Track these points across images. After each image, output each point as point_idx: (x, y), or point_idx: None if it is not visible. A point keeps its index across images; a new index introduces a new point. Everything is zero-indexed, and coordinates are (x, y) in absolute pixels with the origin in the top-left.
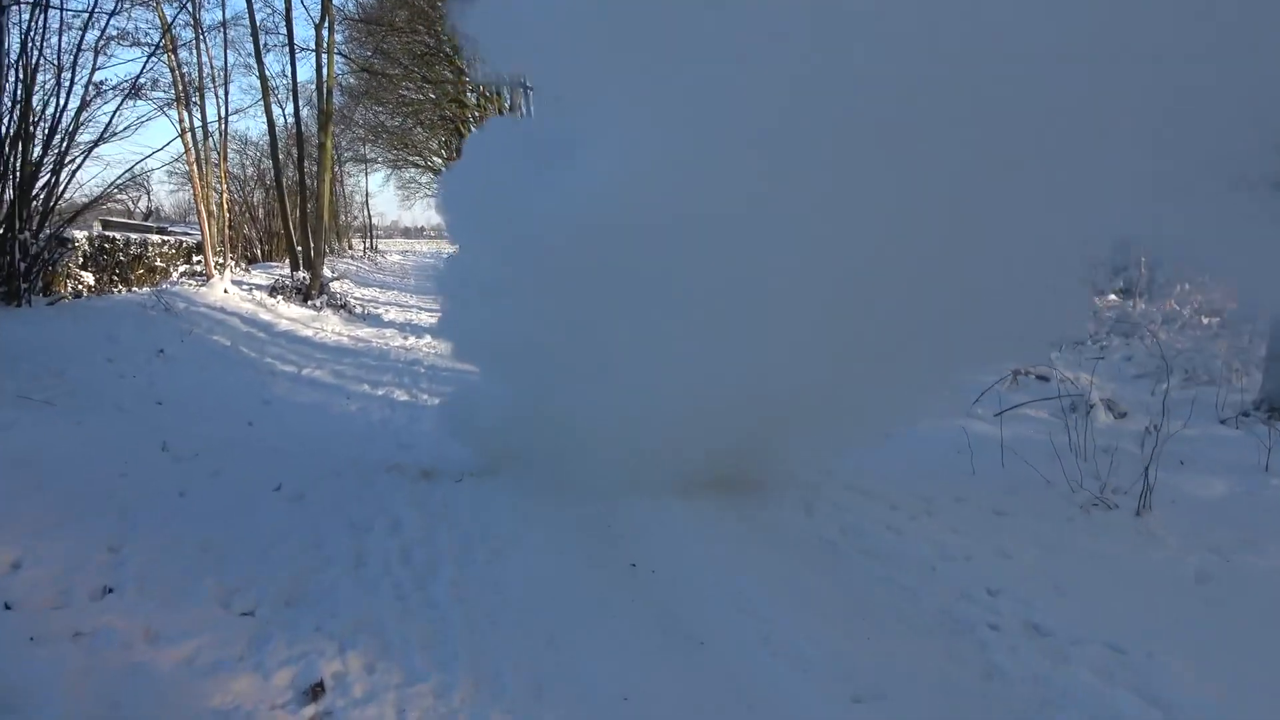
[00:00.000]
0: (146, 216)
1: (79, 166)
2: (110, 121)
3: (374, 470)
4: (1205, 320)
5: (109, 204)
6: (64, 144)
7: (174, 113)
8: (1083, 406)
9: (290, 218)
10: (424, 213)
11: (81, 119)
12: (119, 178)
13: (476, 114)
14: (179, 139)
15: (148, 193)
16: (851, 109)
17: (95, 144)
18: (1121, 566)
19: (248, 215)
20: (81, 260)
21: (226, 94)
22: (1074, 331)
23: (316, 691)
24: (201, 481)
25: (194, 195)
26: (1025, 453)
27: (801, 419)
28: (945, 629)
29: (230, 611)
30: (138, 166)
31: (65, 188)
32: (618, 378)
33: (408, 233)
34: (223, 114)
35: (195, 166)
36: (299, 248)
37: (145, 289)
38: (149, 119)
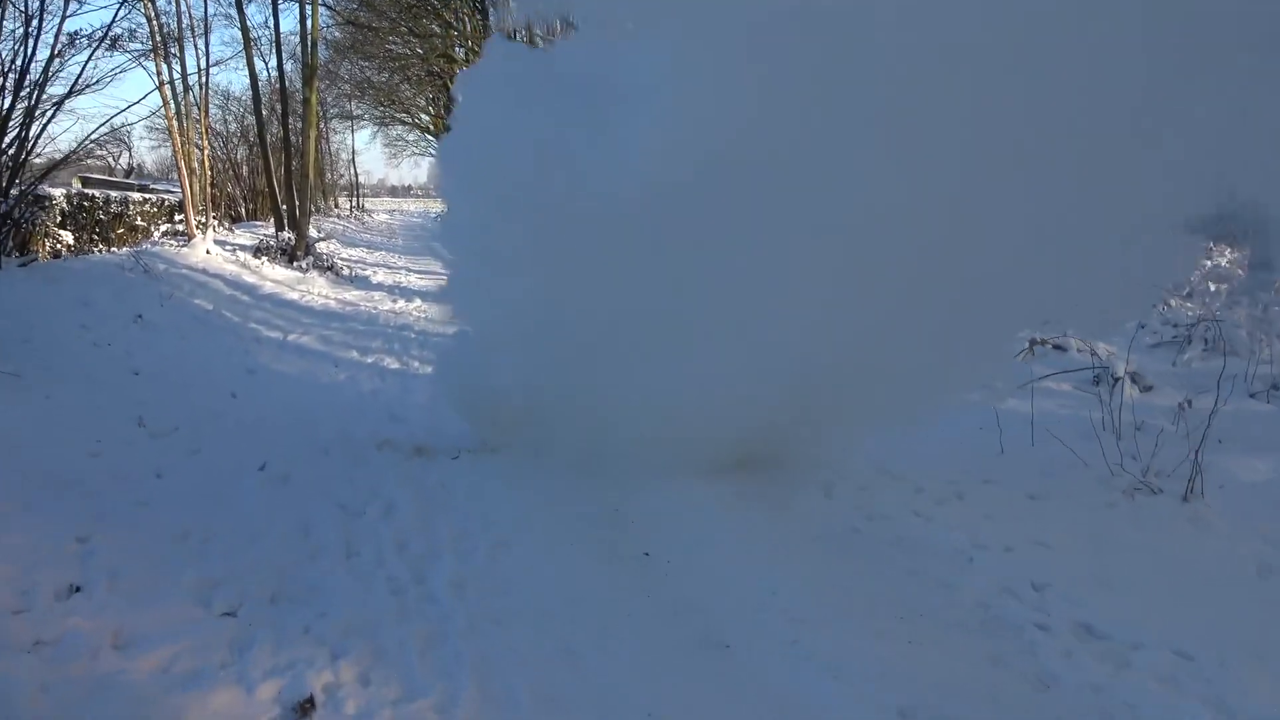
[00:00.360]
0: (128, 174)
1: (50, 119)
2: (82, 72)
3: (364, 447)
4: (1214, 287)
5: (89, 160)
6: (34, 95)
7: (151, 65)
8: (1107, 379)
9: (275, 175)
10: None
11: (52, 70)
12: (93, 132)
13: (466, 70)
14: (156, 92)
15: (129, 149)
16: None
17: (67, 96)
18: (1174, 559)
19: (231, 173)
20: (59, 219)
21: (207, 45)
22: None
23: (305, 708)
24: (180, 461)
25: (174, 151)
26: (1053, 429)
27: (843, 397)
28: (988, 629)
29: (210, 611)
30: (115, 120)
31: (35, 142)
32: (648, 355)
33: (395, 192)
34: (203, 66)
35: (174, 121)
36: (284, 207)
37: (126, 249)
38: (124, 70)
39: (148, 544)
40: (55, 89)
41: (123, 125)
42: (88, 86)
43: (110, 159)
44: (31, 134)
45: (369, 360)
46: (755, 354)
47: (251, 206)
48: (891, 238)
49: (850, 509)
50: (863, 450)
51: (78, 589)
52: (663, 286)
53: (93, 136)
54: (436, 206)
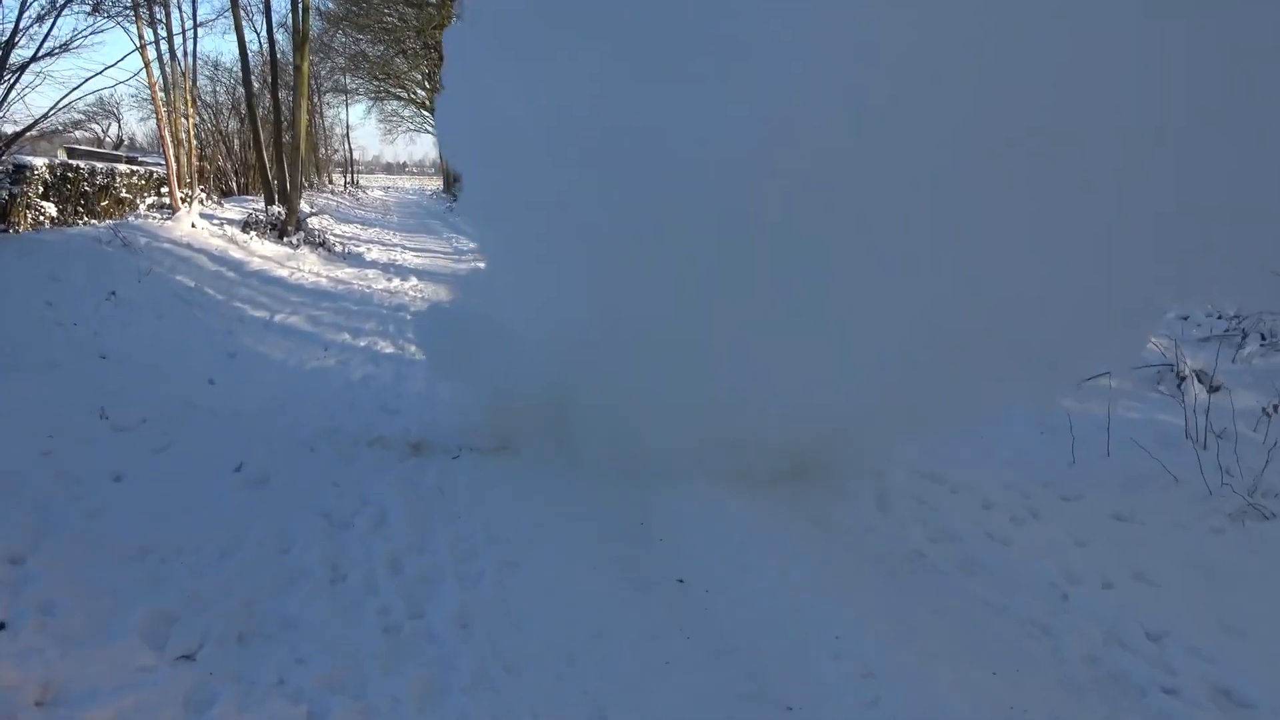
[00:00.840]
0: (117, 146)
1: (15, 80)
2: (50, 30)
3: (354, 443)
4: None
5: (77, 133)
6: (2, 56)
7: (133, 28)
8: (1171, 377)
9: (265, 148)
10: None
11: (22, 26)
12: (66, 95)
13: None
14: (137, 53)
15: (117, 120)
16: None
17: (35, 57)
18: None
19: (222, 145)
20: (41, 189)
21: (194, 10)
22: None
23: None
24: (144, 460)
25: (157, 120)
26: (1125, 435)
27: (910, 396)
28: (1103, 690)
29: (164, 655)
30: (95, 86)
31: (6, 105)
32: (697, 349)
33: (390, 168)
34: (186, 28)
35: (156, 86)
36: (274, 181)
37: (110, 222)
38: (102, 31)
39: (95, 566)
40: (27, 52)
41: (109, 93)
42: (61, 47)
43: (99, 130)
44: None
45: (361, 343)
46: (827, 350)
47: (243, 181)
48: (978, 235)
49: (909, 526)
50: (909, 454)
51: (1, 627)
52: (728, 278)
53: (73, 104)
54: (432, 183)
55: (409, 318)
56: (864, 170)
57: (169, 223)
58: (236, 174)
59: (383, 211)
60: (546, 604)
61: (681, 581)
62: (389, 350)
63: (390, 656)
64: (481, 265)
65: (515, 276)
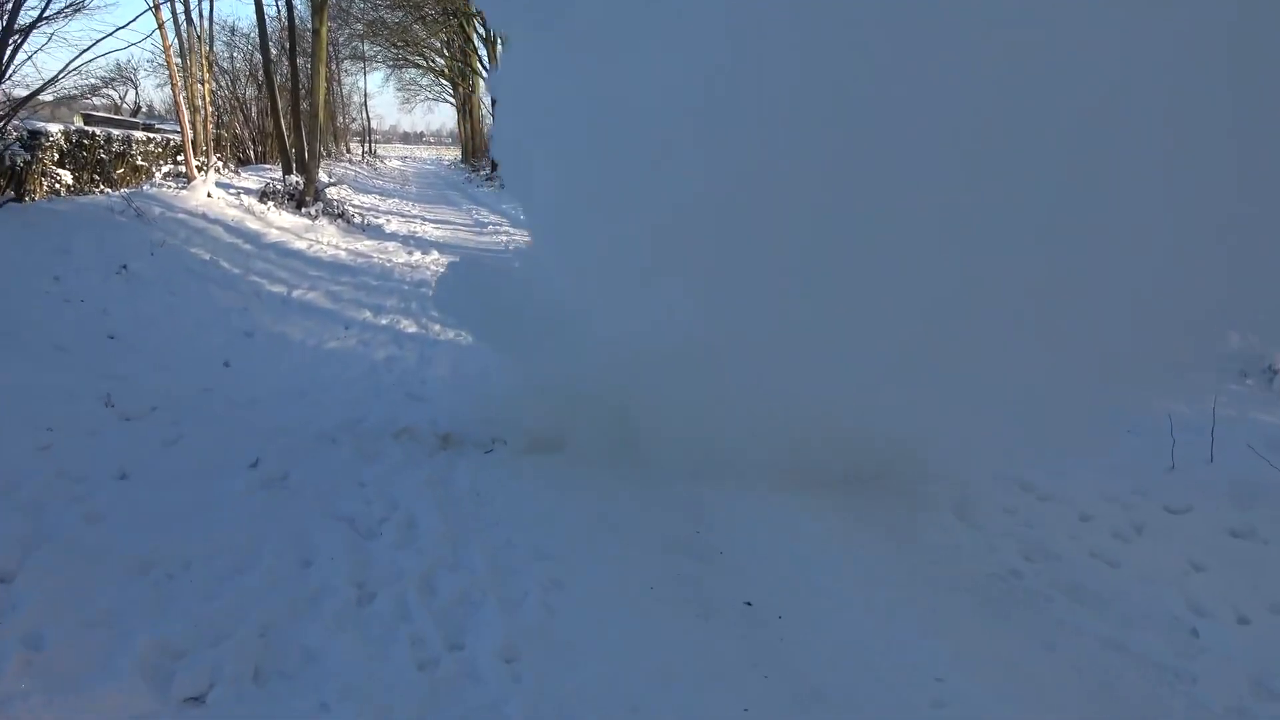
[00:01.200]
0: (135, 113)
1: (21, 43)
2: None
3: (379, 435)
4: None
5: (94, 99)
6: (7, 20)
7: None
8: (1262, 372)
9: (282, 116)
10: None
11: None
12: (75, 58)
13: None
14: (151, 14)
15: (134, 86)
16: None
17: (42, 16)
18: None
19: (240, 113)
20: (57, 157)
21: None
22: None
23: None
24: (152, 454)
25: (171, 85)
26: (1226, 437)
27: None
28: None
29: (168, 698)
30: (102, 47)
31: (12, 68)
32: (770, 347)
33: (407, 138)
34: None
35: (170, 49)
36: (292, 150)
37: (124, 190)
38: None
39: (92, 585)
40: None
41: (126, 58)
42: (70, 6)
43: (116, 98)
44: (5, 60)
45: (383, 322)
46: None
47: (260, 149)
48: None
49: (1000, 541)
50: (988, 459)
51: None
52: (817, 280)
53: (89, 69)
54: (450, 154)
55: (431, 294)
56: (966, 167)
57: (184, 192)
58: (254, 142)
59: (401, 182)
60: (602, 635)
61: (749, 605)
62: (412, 330)
63: (428, 701)
64: (506, 239)
65: (591, 269)
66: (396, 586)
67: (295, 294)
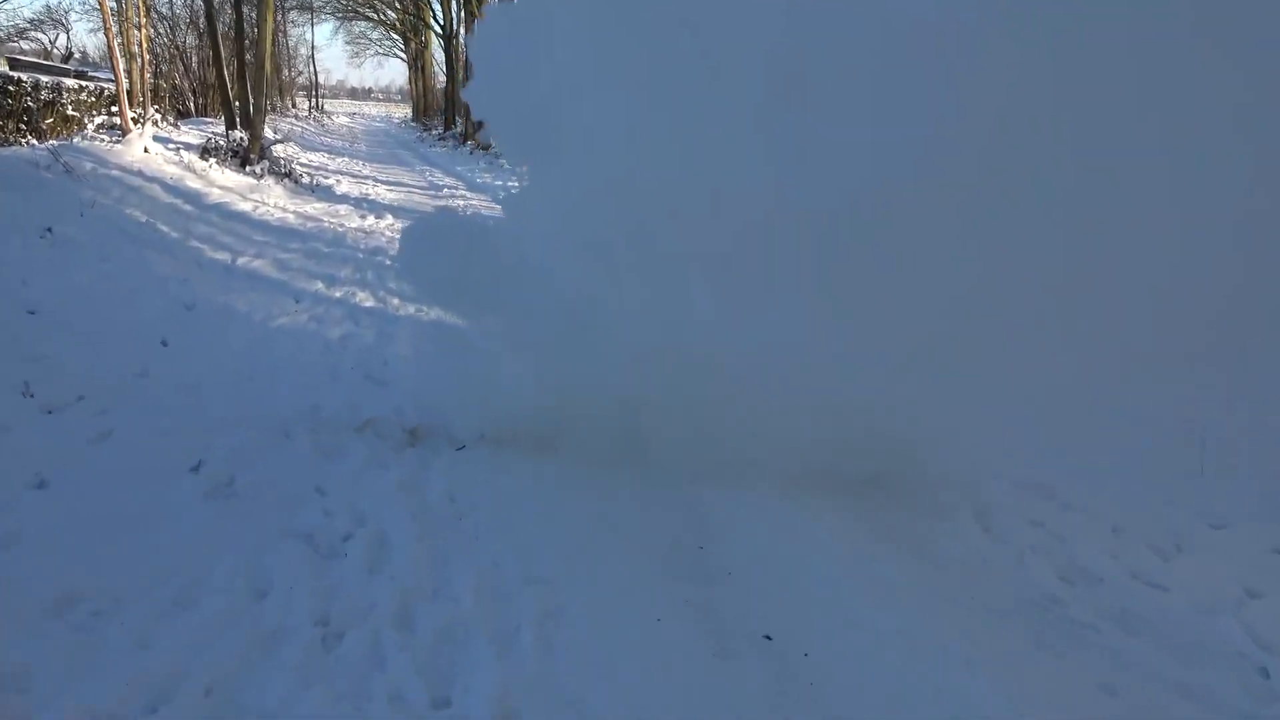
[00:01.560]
0: (66, 59)
1: None
2: None
3: (338, 428)
4: None
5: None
6: None
7: None
8: None
9: (226, 66)
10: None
11: None
12: None
13: None
14: None
15: (65, 30)
16: None
17: None
18: None
19: (179, 63)
20: None
21: None
22: None
23: None
24: (78, 455)
25: (105, 30)
26: (1221, 432)
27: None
28: None
29: None
30: None
31: None
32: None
33: (355, 94)
34: None
35: None
36: (236, 103)
37: (51, 143)
38: None
39: (1, 629)
40: None
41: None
42: None
43: (46, 42)
44: None
45: (337, 294)
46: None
47: (201, 101)
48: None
49: (1030, 559)
50: (1006, 460)
51: None
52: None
53: (12, 5)
54: (400, 111)
55: (388, 263)
56: (983, 162)
57: (119, 146)
58: (195, 94)
59: (350, 140)
60: (611, 679)
61: (769, 639)
62: (369, 304)
63: None
64: (463, 204)
65: (617, 259)
66: (368, 623)
67: (240, 262)
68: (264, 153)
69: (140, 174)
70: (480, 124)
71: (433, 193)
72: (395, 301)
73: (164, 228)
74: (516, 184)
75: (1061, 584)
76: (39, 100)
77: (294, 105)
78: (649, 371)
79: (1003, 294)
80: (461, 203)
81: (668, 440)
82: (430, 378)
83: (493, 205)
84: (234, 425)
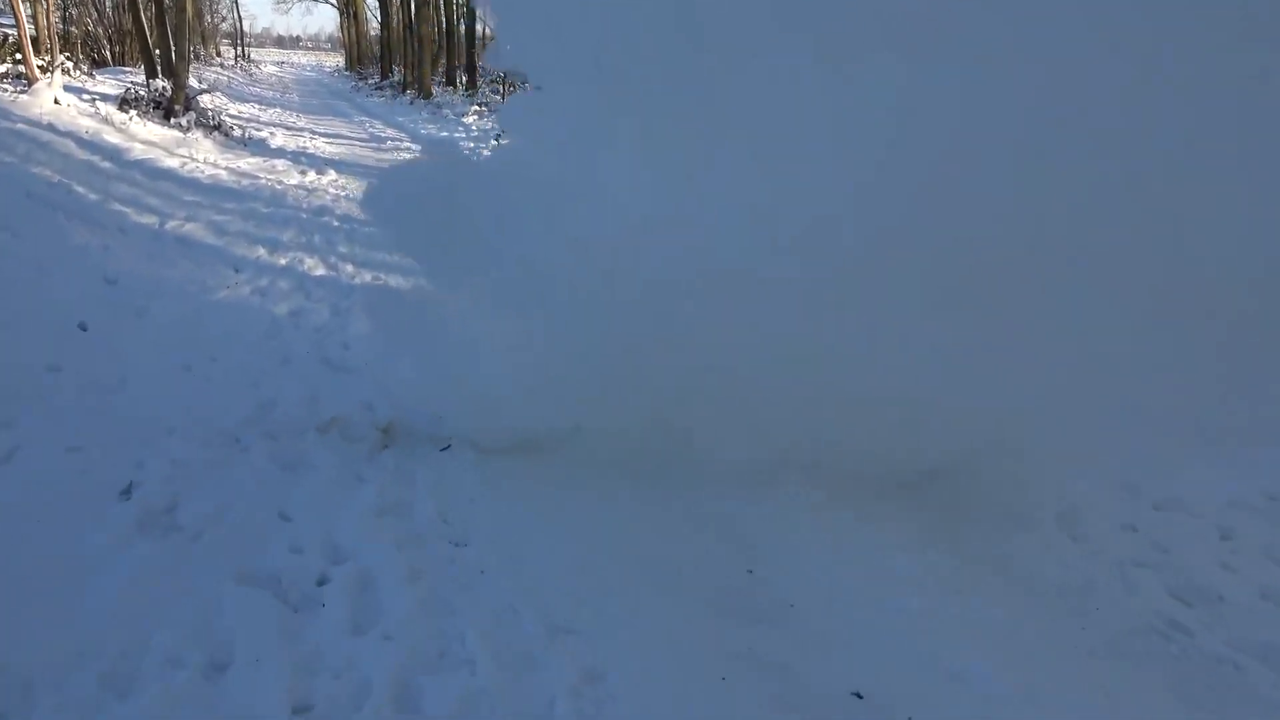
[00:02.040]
0: None
1: None
2: None
3: (298, 430)
4: None
5: None
6: None
7: None
8: None
9: (143, 9)
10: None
11: None
12: None
13: None
14: None
15: None
16: None
17: None
18: None
19: (91, 6)
20: None
21: None
22: None
23: None
24: None
25: None
26: None
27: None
28: None
29: None
30: None
31: None
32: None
33: (282, 42)
34: None
35: None
36: (156, 50)
37: None
38: None
39: None
40: None
41: None
42: None
43: None
44: None
45: (281, 261)
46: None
47: (118, 49)
48: None
49: (1134, 573)
50: (1076, 451)
51: None
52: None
53: None
54: (331, 60)
55: (336, 224)
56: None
57: (24, 97)
58: (110, 41)
59: (281, 90)
60: None
61: (859, 697)
62: (320, 272)
63: None
64: (410, 157)
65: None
66: (364, 709)
67: (170, 226)
68: (189, 104)
69: (50, 128)
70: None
71: (375, 145)
72: (349, 269)
73: (80, 189)
74: (463, 133)
75: (1178, 605)
76: None
77: (218, 54)
78: (700, 355)
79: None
80: (406, 155)
81: (711, 439)
82: (400, 362)
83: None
84: (170, 433)
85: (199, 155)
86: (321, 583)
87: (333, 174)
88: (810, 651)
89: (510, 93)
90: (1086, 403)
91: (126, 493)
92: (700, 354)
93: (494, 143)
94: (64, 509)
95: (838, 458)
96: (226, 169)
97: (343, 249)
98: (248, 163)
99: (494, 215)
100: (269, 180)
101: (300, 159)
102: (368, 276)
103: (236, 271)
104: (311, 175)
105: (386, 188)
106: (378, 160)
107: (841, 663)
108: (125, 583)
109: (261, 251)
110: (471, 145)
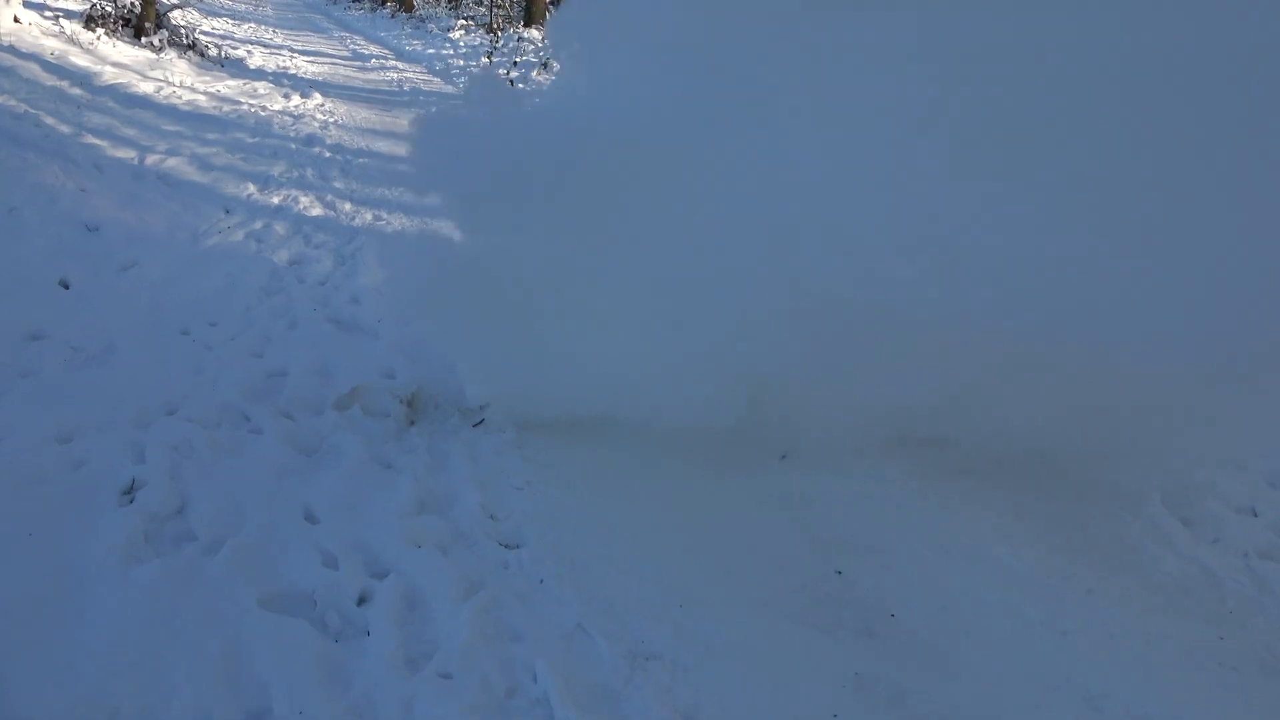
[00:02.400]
0: None
1: None
2: None
3: (313, 405)
4: None
5: None
6: None
7: None
8: None
9: None
10: None
11: None
12: None
13: None
14: None
15: None
16: None
17: None
18: None
19: None
20: None
21: None
22: None
23: None
24: None
25: None
26: None
27: None
28: None
29: None
30: None
31: None
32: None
33: None
34: None
35: None
36: None
37: None
38: None
39: None
40: None
41: None
42: None
43: None
44: None
45: (275, 199)
46: None
47: None
48: None
49: (1260, 566)
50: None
51: None
52: None
53: None
54: None
55: (328, 155)
56: None
57: None
58: None
59: (254, 2)
60: None
61: None
62: (316, 212)
63: None
64: (396, 76)
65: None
66: None
67: (151, 161)
68: (160, 20)
69: (13, 51)
70: None
71: (359, 64)
72: (347, 207)
73: (49, 120)
74: (451, 50)
75: None
76: None
77: None
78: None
79: None
80: (395, 74)
81: (792, 415)
82: (422, 321)
83: (430, 78)
84: (171, 413)
85: (174, 78)
86: (362, 601)
87: (318, 97)
88: (926, 675)
89: (498, 8)
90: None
91: (129, 492)
92: (801, 323)
93: (484, 60)
94: (57, 517)
95: (920, 433)
96: (205, 93)
97: (338, 184)
98: (227, 86)
99: (556, 172)
100: (251, 106)
101: (282, 81)
102: (368, 216)
103: (227, 213)
104: (296, 99)
105: (429, 139)
106: (364, 81)
107: (966, 690)
108: (134, 611)
109: (252, 189)
110: (461, 64)
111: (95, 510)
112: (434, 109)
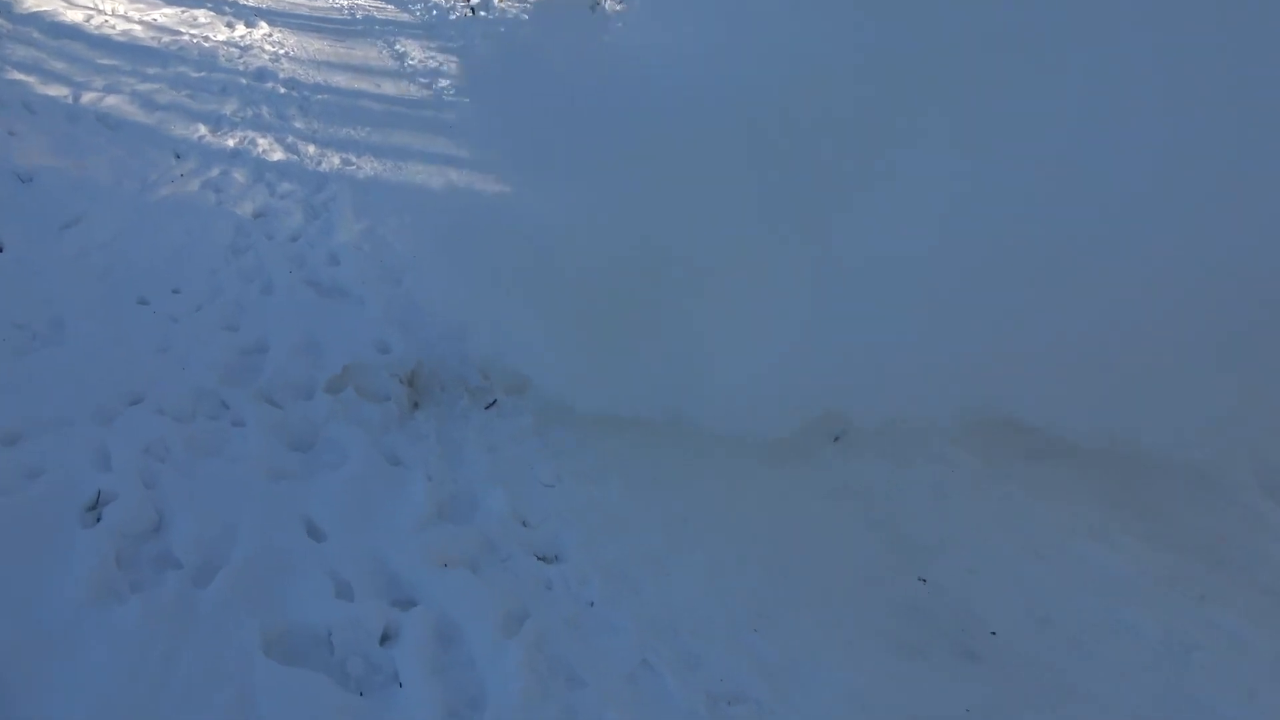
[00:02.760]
0: None
1: None
2: None
3: (302, 389)
4: None
5: None
6: None
7: None
8: None
9: None
10: None
11: None
12: None
13: None
14: None
15: None
16: None
17: None
18: None
19: None
20: None
21: None
22: None
23: None
24: None
25: None
26: None
27: None
28: None
29: None
30: None
31: None
32: None
33: None
34: None
35: None
36: None
37: None
38: None
39: None
40: None
41: None
42: None
43: None
44: None
45: (230, 143)
46: None
47: None
48: None
49: None
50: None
51: None
52: None
53: None
54: None
55: (283, 91)
56: None
57: None
58: None
59: None
60: None
61: None
62: (277, 156)
63: None
64: (347, 4)
65: None
66: None
67: (87, 100)
68: None
69: None
70: None
71: None
72: (311, 150)
73: None
74: None
75: None
76: None
77: None
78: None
79: None
80: (345, 1)
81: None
82: (394, 269)
83: (383, 5)
84: (136, 402)
85: (105, 5)
86: (386, 639)
87: (265, 26)
88: (1043, 710)
89: None
90: None
91: (95, 507)
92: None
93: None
94: (14, 546)
95: (995, 416)
96: (140, 22)
97: (298, 124)
98: (163, 15)
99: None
100: (193, 36)
101: (223, 8)
102: (336, 160)
103: (178, 158)
104: (241, 29)
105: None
106: (312, 9)
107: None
108: (114, 672)
109: (203, 130)
110: None
111: (58, 528)
112: (485, 39)
